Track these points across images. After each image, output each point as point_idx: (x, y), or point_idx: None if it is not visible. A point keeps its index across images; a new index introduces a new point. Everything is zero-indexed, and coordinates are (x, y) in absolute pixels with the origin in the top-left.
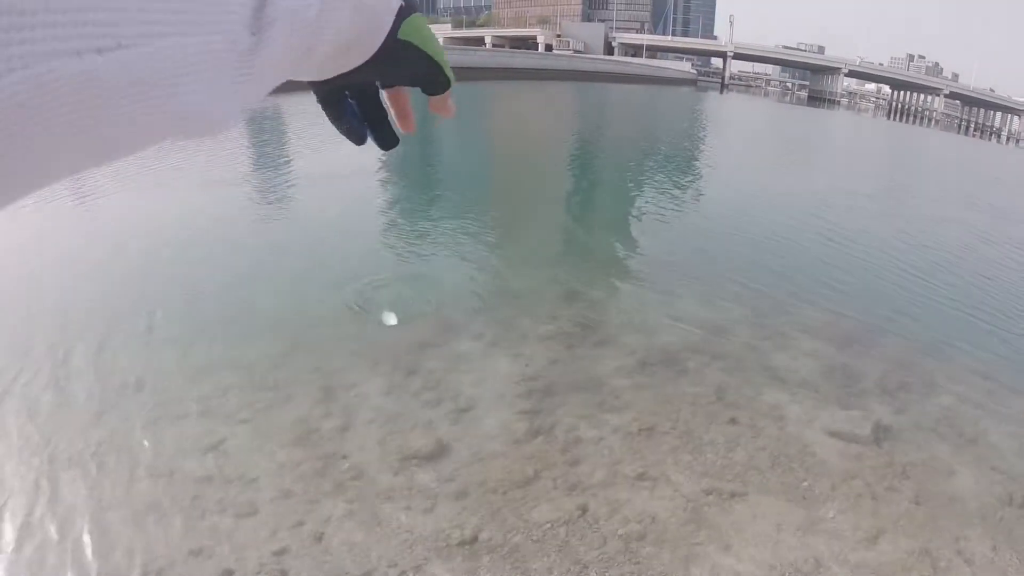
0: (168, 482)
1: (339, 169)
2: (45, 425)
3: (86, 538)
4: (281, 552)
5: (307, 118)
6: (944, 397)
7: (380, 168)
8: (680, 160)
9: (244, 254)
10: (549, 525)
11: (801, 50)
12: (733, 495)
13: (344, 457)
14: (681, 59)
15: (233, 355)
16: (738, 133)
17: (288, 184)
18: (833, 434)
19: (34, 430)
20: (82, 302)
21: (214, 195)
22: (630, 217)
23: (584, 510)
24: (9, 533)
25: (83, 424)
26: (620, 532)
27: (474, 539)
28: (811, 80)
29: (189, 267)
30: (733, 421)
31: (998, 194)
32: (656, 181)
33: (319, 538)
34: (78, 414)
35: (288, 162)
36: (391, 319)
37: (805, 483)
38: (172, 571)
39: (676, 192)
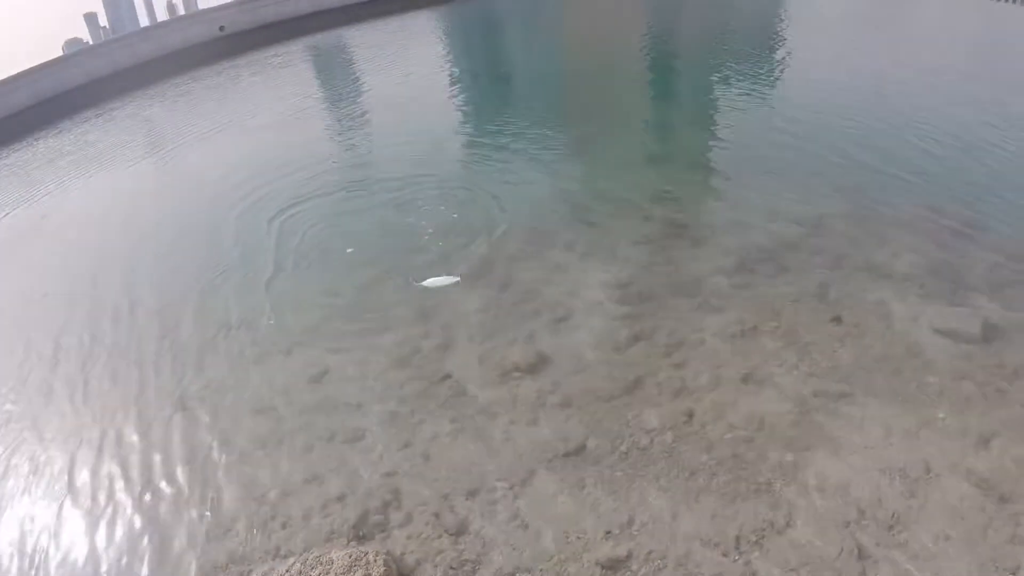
0: (278, 416)
1: (409, 93)
2: (157, 371)
3: (210, 474)
4: (391, 474)
5: (368, 49)
6: None
7: (450, 85)
8: (758, 47)
9: (322, 181)
10: (656, 431)
11: None
12: (840, 396)
13: (446, 376)
14: None
15: (327, 285)
16: (817, 13)
17: (362, 112)
18: (940, 332)
19: (150, 374)
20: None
21: (292, 133)
22: (711, 113)
23: (690, 415)
24: (134, 476)
25: (192, 364)
26: (727, 437)
27: (581, 448)
28: None
29: (273, 198)
30: (837, 320)
31: None
32: (735, 72)
33: (427, 457)
34: (185, 356)
35: (357, 92)
36: (435, 281)
37: (913, 384)
38: (287, 500)
39: (757, 83)
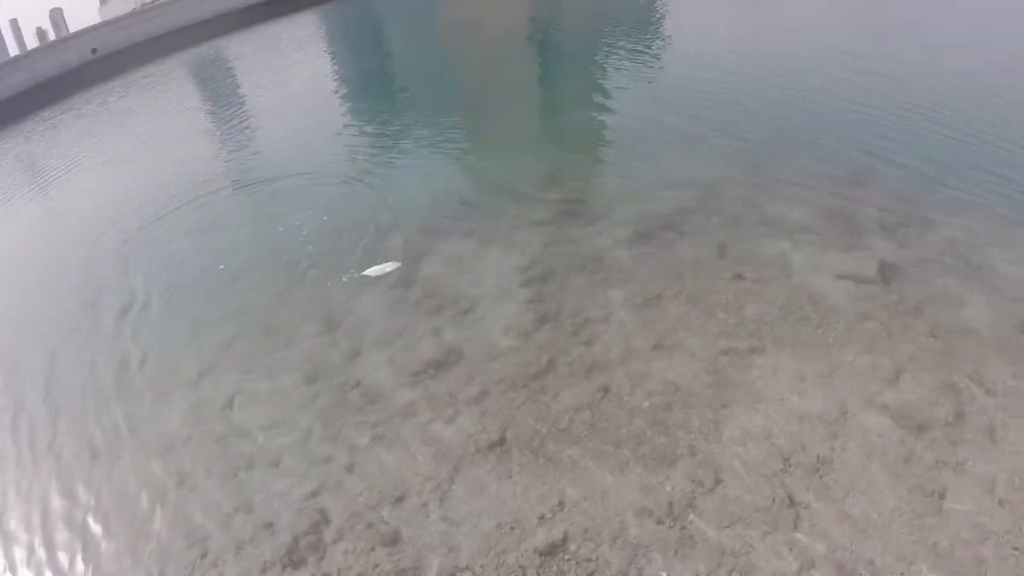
0: (193, 449)
1: (293, 99)
2: (54, 422)
3: (136, 519)
4: (316, 492)
5: (245, 59)
6: (945, 229)
7: (332, 86)
8: (642, 25)
9: (210, 202)
10: (574, 411)
11: None
12: (751, 351)
13: (358, 383)
14: None
15: (226, 309)
16: None
17: (240, 123)
18: (840, 277)
19: (53, 424)
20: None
21: (165, 155)
22: (599, 92)
23: (606, 390)
24: (59, 533)
25: (95, 410)
26: (645, 405)
27: (502, 438)
28: None
29: (158, 228)
30: (739, 277)
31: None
32: (620, 50)
33: (350, 470)
34: (84, 403)
35: (234, 104)
36: (373, 271)
37: (820, 330)
38: (216, 535)
39: (643, 61)
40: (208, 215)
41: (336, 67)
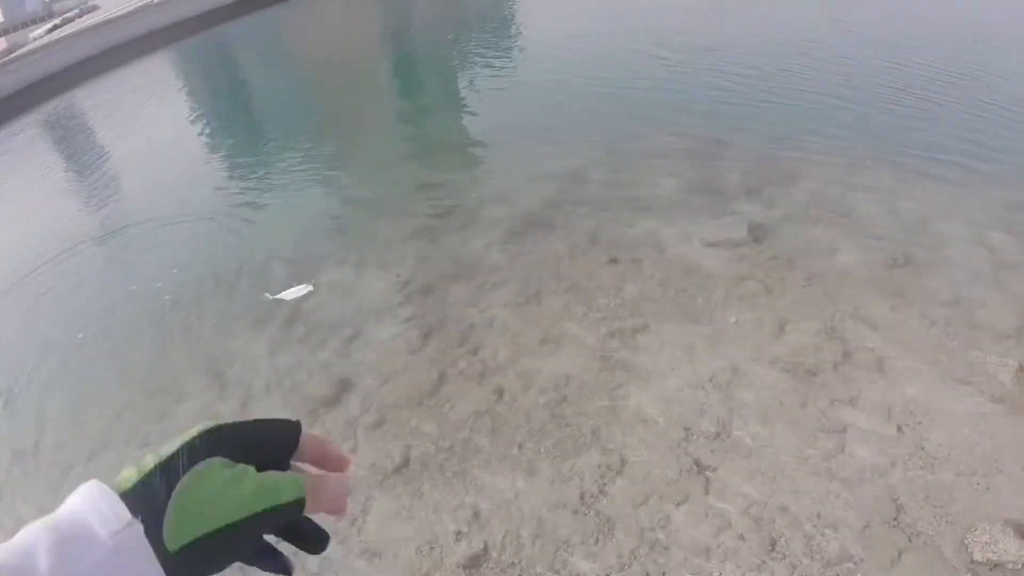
0: None
1: (152, 146)
2: None
3: None
4: None
5: (102, 111)
6: (807, 182)
7: (195, 131)
8: (496, 27)
9: (69, 262)
10: (472, 419)
11: None
12: (636, 331)
13: None
14: None
15: (107, 378)
16: None
17: (102, 176)
18: (712, 244)
19: None
20: None
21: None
22: (459, 96)
23: (500, 393)
24: None
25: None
26: (541, 402)
27: (405, 462)
28: None
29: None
30: (614, 261)
31: None
32: (476, 54)
33: None
34: None
35: (97, 153)
36: (289, 293)
37: (700, 298)
38: None
39: (499, 61)
40: (68, 276)
41: (192, 107)
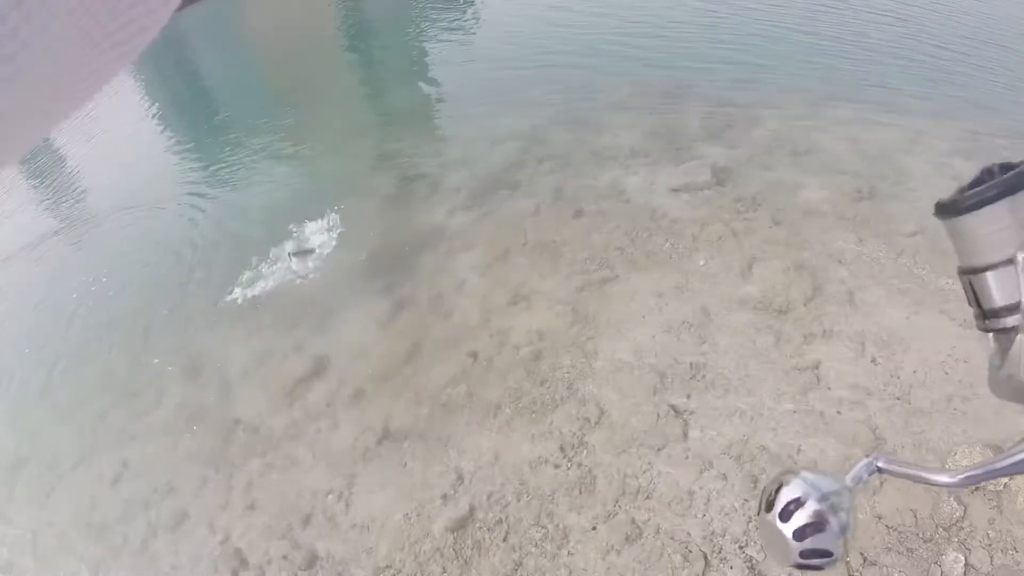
0: (98, 529)
1: (112, 141)
2: None
3: None
4: (226, 538)
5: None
6: (768, 123)
7: (157, 121)
8: None
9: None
10: (449, 385)
11: None
12: (605, 281)
13: (237, 420)
14: None
15: (86, 383)
16: None
17: (58, 174)
18: (676, 190)
19: None
20: None
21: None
22: (419, 63)
23: (475, 355)
24: None
25: None
26: (516, 359)
27: (387, 432)
28: None
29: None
30: (580, 214)
31: None
32: (433, 18)
33: (252, 506)
34: None
35: (54, 151)
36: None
37: (667, 244)
38: None
39: (455, 24)
40: (30, 276)
41: (150, 98)
